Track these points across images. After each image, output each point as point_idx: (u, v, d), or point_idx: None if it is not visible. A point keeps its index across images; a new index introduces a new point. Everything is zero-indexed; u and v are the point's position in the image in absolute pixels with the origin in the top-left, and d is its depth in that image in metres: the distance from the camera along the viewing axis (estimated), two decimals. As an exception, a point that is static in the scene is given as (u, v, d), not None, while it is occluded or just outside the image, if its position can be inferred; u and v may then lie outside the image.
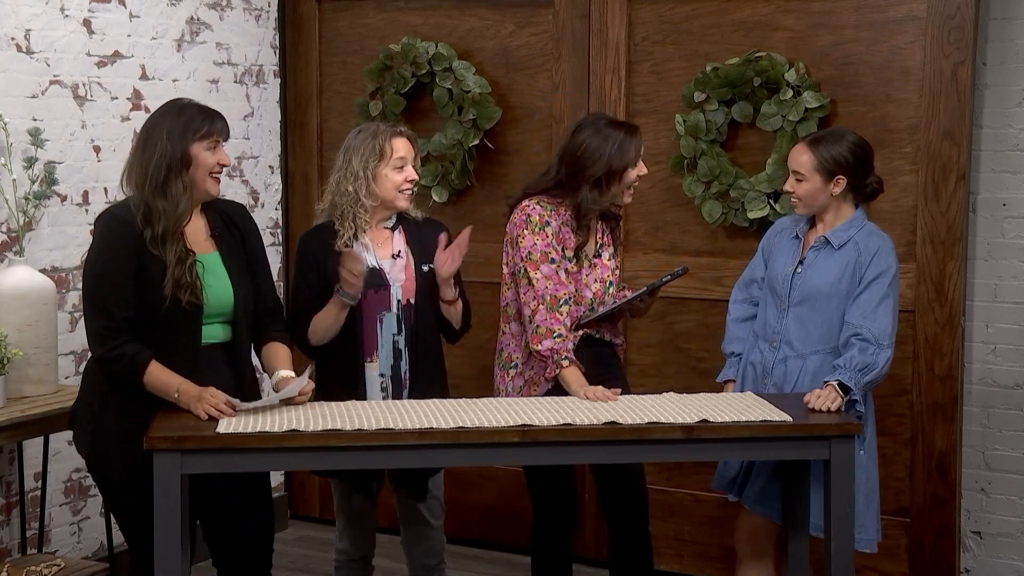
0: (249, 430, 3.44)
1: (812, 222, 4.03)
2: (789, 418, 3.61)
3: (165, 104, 3.67)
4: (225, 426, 3.46)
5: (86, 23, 4.77)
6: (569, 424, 3.53)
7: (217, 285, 3.64)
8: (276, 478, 5.57)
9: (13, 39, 4.51)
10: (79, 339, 4.69)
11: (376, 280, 3.95)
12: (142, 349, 3.52)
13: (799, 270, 3.96)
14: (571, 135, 4.08)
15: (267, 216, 5.65)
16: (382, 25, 5.54)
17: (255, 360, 3.83)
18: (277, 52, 5.68)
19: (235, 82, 5.45)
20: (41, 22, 4.61)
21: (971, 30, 4.54)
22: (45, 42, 4.62)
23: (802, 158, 3.93)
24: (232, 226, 3.75)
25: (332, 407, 3.69)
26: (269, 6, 5.62)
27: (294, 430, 3.45)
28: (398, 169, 3.95)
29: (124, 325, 3.52)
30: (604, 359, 4.15)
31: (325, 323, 3.90)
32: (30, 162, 4.48)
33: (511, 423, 3.53)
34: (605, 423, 3.54)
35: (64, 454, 4.75)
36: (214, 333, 3.66)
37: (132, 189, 3.59)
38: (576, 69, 5.17)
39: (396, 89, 5.38)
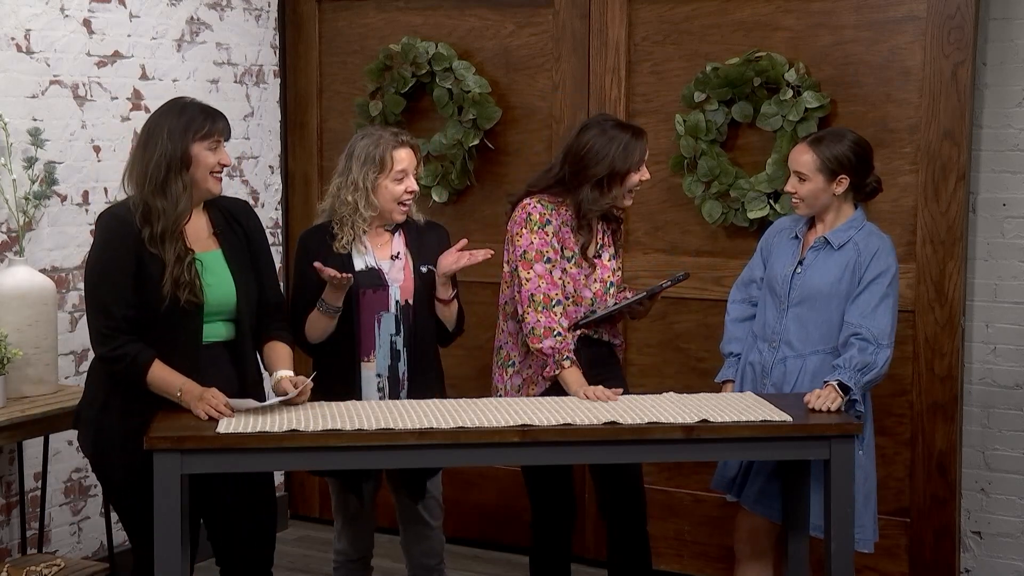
0: (249, 430, 3.44)
1: (811, 222, 4.02)
2: (789, 418, 3.61)
3: (167, 103, 3.67)
4: (225, 426, 3.46)
5: (86, 23, 4.77)
6: (569, 424, 3.53)
7: (218, 283, 3.64)
8: (276, 478, 5.54)
9: (13, 39, 4.51)
10: (79, 339, 4.69)
11: (374, 280, 3.96)
12: (144, 348, 3.53)
13: (799, 270, 3.96)
14: (576, 134, 4.09)
15: (267, 216, 5.65)
16: (382, 25, 5.54)
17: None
18: (277, 52, 5.68)
19: (235, 82, 5.45)
20: (41, 22, 4.61)
21: (971, 30, 4.54)
22: (45, 42, 4.62)
23: (804, 158, 3.93)
24: (235, 223, 3.75)
25: (332, 407, 3.69)
26: (269, 6, 5.62)
27: (294, 430, 3.45)
28: (398, 181, 3.95)
29: (125, 324, 3.52)
30: (602, 359, 4.16)
31: (318, 327, 3.93)
32: (30, 162, 4.48)
33: (511, 423, 3.53)
34: (605, 423, 3.54)
35: (64, 454, 4.75)
36: (217, 331, 3.66)
37: (132, 188, 3.59)
38: (576, 69, 5.17)
39: (396, 89, 5.38)
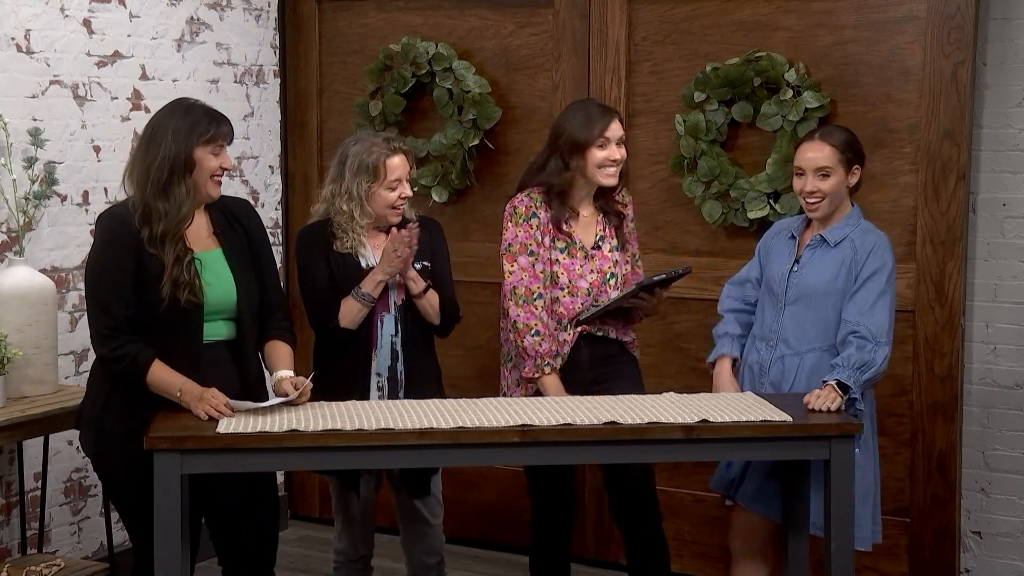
0: (249, 430, 3.44)
1: (808, 221, 4.02)
2: (789, 418, 3.61)
3: (171, 103, 3.66)
4: (225, 426, 3.46)
5: (86, 23, 4.77)
6: (569, 424, 3.53)
7: (218, 282, 3.64)
8: (277, 478, 5.56)
9: (13, 39, 4.51)
10: (79, 339, 4.69)
11: (375, 280, 3.98)
12: (144, 348, 3.53)
13: (795, 268, 3.96)
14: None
15: (267, 216, 5.65)
16: (382, 25, 5.54)
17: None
18: (277, 52, 5.68)
19: (235, 82, 5.45)
20: (41, 22, 4.60)
21: (971, 30, 4.54)
22: (45, 42, 4.62)
23: (824, 152, 3.89)
24: (236, 223, 3.75)
25: (332, 407, 3.69)
26: (269, 6, 5.62)
27: (294, 430, 3.45)
28: (392, 189, 3.97)
29: (126, 324, 3.52)
30: (608, 358, 4.14)
31: (352, 313, 3.95)
32: (30, 162, 4.48)
33: (511, 423, 3.53)
34: (605, 423, 3.54)
35: (64, 454, 4.75)
36: (217, 330, 3.66)
37: (133, 188, 3.59)
38: (576, 69, 5.17)
39: (396, 89, 5.38)
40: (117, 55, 4.90)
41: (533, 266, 4.04)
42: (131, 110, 4.95)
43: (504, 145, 5.33)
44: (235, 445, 3.42)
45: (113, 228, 3.57)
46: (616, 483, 4.16)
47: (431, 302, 4.03)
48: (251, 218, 3.80)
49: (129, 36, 4.94)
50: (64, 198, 4.72)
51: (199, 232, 3.65)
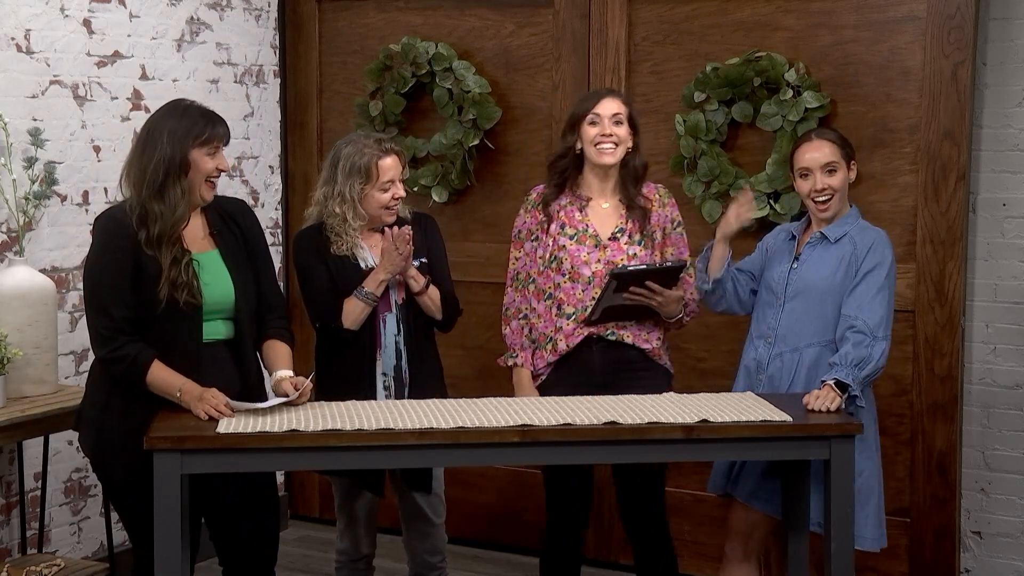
0: (249, 430, 3.44)
1: (808, 222, 4.02)
2: (789, 418, 3.61)
3: (166, 105, 3.66)
4: (225, 426, 3.46)
5: (86, 23, 4.77)
6: (569, 424, 3.53)
7: (216, 283, 3.64)
8: (276, 478, 5.57)
9: (13, 39, 4.51)
10: (79, 339, 4.69)
11: (376, 280, 3.98)
12: (144, 349, 3.53)
13: (795, 266, 3.97)
14: None
15: (267, 216, 5.65)
16: (382, 25, 5.54)
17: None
18: (277, 52, 5.68)
19: (235, 82, 5.46)
20: (41, 22, 4.61)
21: (971, 30, 4.54)
22: (45, 42, 4.62)
23: (826, 149, 3.91)
24: (232, 223, 3.75)
25: (332, 407, 3.69)
26: (269, 6, 5.62)
27: (294, 430, 3.45)
28: (385, 190, 3.96)
29: (125, 325, 3.52)
30: (627, 365, 4.06)
31: (355, 313, 3.95)
32: (30, 162, 4.48)
33: (511, 423, 3.53)
34: (605, 423, 3.53)
35: (64, 454, 4.75)
36: (216, 330, 3.66)
37: (130, 189, 3.59)
38: (576, 69, 5.17)
39: (396, 89, 5.38)
40: (117, 55, 4.90)
41: (535, 250, 4.09)
42: (131, 110, 4.95)
43: (504, 145, 5.33)
44: (235, 445, 3.42)
45: (110, 230, 3.57)
46: (624, 481, 4.15)
47: (432, 298, 4.02)
48: (247, 218, 3.80)
49: (129, 36, 4.94)
50: (64, 198, 4.72)
51: (195, 233, 3.65)
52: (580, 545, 4.26)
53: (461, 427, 3.50)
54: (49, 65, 4.64)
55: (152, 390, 3.54)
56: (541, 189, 4.16)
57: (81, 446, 3.75)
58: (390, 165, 3.98)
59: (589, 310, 4.02)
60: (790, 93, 4.70)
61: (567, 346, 4.06)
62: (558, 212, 4.09)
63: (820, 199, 3.91)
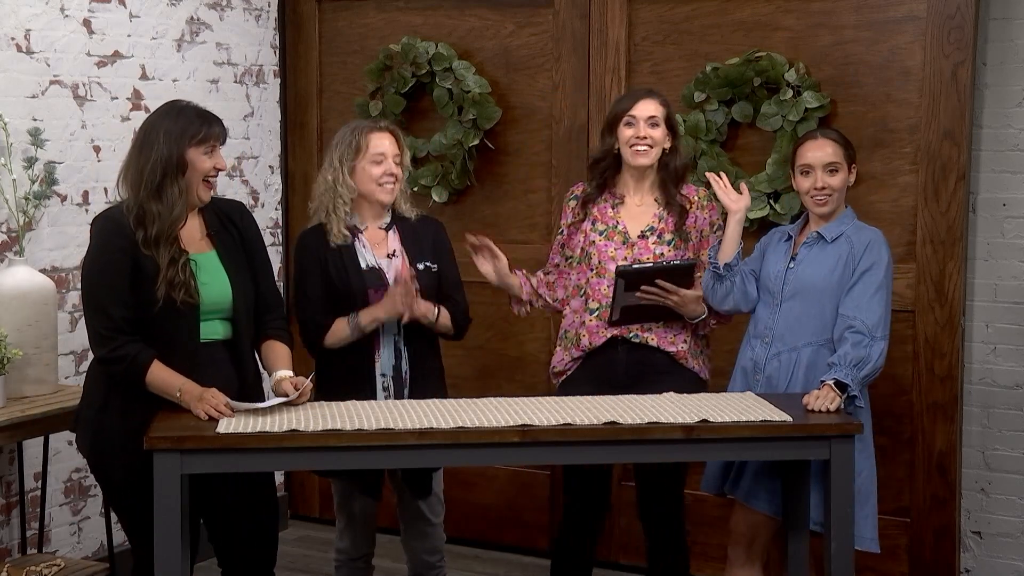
0: (249, 430, 3.44)
1: (804, 224, 4.03)
2: (789, 418, 3.61)
3: (163, 106, 3.67)
4: (225, 426, 3.46)
5: (86, 23, 4.77)
6: (569, 424, 3.53)
7: (213, 283, 3.64)
8: (276, 478, 5.56)
9: (13, 39, 4.51)
10: (79, 339, 4.69)
11: (377, 280, 3.97)
12: (144, 349, 3.53)
13: (791, 266, 3.97)
14: None
15: (267, 216, 5.65)
16: (382, 25, 5.54)
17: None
18: (277, 52, 5.68)
19: (235, 82, 5.46)
20: (41, 22, 4.60)
21: (971, 30, 4.54)
22: (45, 42, 4.62)
23: (829, 149, 3.93)
24: (230, 224, 3.75)
25: (332, 407, 3.69)
26: (269, 6, 5.62)
27: (294, 430, 3.45)
28: (376, 163, 3.96)
29: (124, 325, 3.53)
30: (652, 367, 4.04)
31: (339, 337, 3.94)
32: (30, 162, 4.48)
33: (511, 423, 3.53)
34: (605, 423, 3.53)
35: (64, 454, 4.75)
36: (214, 330, 3.66)
37: (127, 190, 3.59)
38: (576, 69, 5.17)
39: (396, 89, 5.38)
40: (117, 55, 4.90)
41: (559, 243, 4.23)
42: (131, 110, 4.95)
43: (504, 145, 5.33)
44: (235, 445, 3.42)
45: (108, 230, 3.57)
46: (645, 481, 4.14)
47: (444, 323, 4.03)
48: (245, 219, 3.80)
49: (129, 36, 4.94)
50: (64, 198, 4.72)
51: (193, 234, 3.65)
52: (594, 546, 4.26)
53: (461, 427, 3.50)
54: (49, 65, 4.64)
55: (152, 390, 3.54)
56: (580, 185, 4.23)
57: (78, 447, 3.75)
58: (381, 139, 3.98)
59: (611, 305, 4.02)
60: (790, 93, 4.70)
61: (590, 344, 4.07)
62: (592, 208, 4.14)
63: (818, 197, 3.92)
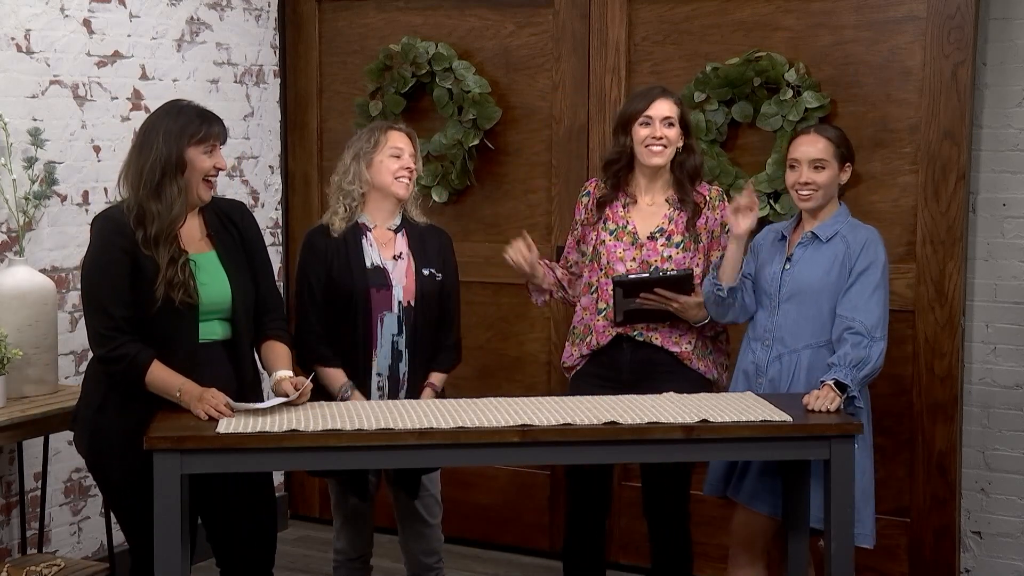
0: (249, 430, 3.44)
1: (798, 224, 4.02)
2: (789, 418, 3.61)
3: (163, 105, 3.67)
4: (225, 426, 3.46)
5: (86, 23, 4.77)
6: (569, 424, 3.53)
7: (212, 283, 3.64)
8: (276, 478, 5.57)
9: (13, 39, 4.51)
10: (79, 339, 4.69)
11: (380, 280, 3.97)
12: (143, 348, 3.53)
13: (787, 267, 3.96)
14: None
15: (267, 216, 5.65)
16: (382, 25, 5.54)
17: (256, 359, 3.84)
18: (277, 52, 5.68)
19: (235, 82, 5.46)
20: (41, 22, 4.60)
21: (971, 30, 4.54)
22: (45, 42, 4.62)
23: (820, 145, 3.92)
24: (230, 224, 3.75)
25: (332, 407, 3.69)
26: (269, 6, 5.62)
27: (294, 430, 3.45)
28: (394, 157, 3.97)
29: (124, 324, 3.53)
30: (655, 367, 4.06)
31: (326, 380, 3.95)
32: (30, 162, 4.48)
33: (511, 423, 3.53)
34: (605, 423, 3.53)
35: (64, 454, 4.75)
36: (213, 331, 3.66)
37: (127, 190, 3.60)
38: (576, 69, 5.17)
39: (396, 89, 5.38)
40: (117, 55, 4.90)
41: (574, 240, 4.25)
42: (131, 110, 4.95)
43: (504, 145, 5.33)
44: (235, 445, 3.42)
45: (108, 230, 3.57)
46: (651, 481, 4.15)
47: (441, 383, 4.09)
48: (245, 219, 3.80)
49: (129, 36, 4.94)
50: (64, 198, 4.72)
51: (192, 234, 3.65)
52: (603, 547, 4.27)
53: (461, 427, 3.50)
54: (49, 65, 4.64)
55: (151, 390, 3.54)
56: (593, 183, 4.24)
57: (76, 446, 3.75)
58: (399, 137, 4.01)
59: (615, 306, 4.04)
60: (790, 93, 4.70)
61: (597, 343, 4.09)
62: (605, 208, 4.15)
63: (802, 192, 3.93)
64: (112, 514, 4.66)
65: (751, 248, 4.11)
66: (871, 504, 3.94)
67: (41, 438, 4.51)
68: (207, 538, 3.80)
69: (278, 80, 5.70)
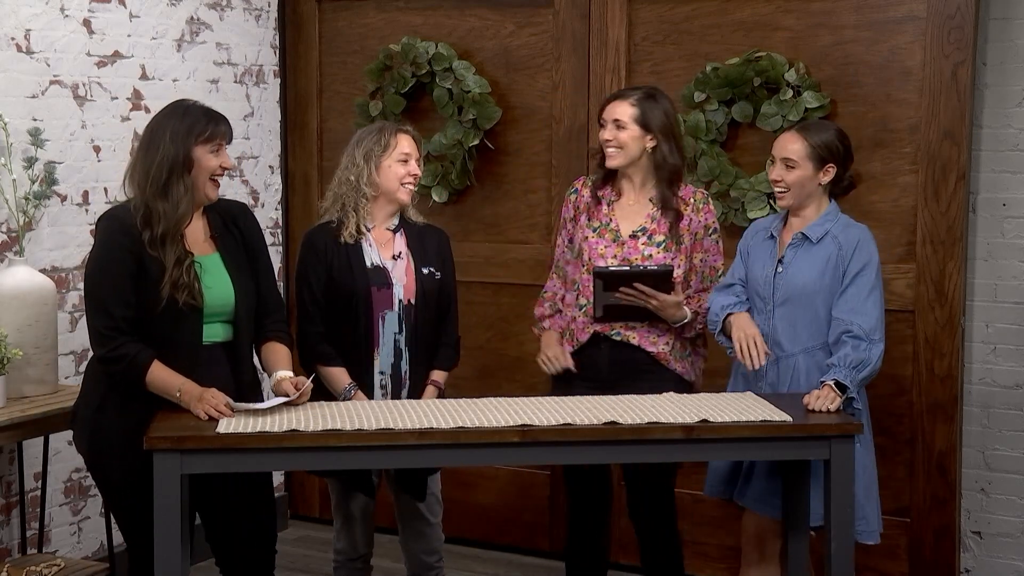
0: (249, 430, 3.44)
1: (786, 220, 4.01)
2: (789, 418, 3.61)
3: (169, 105, 3.67)
4: (225, 426, 3.46)
5: (86, 23, 4.77)
6: (569, 424, 3.53)
7: (216, 285, 3.64)
8: (276, 478, 5.57)
9: (13, 39, 4.51)
10: (79, 339, 4.69)
11: (381, 279, 3.97)
12: (144, 348, 3.53)
13: (780, 269, 3.95)
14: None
15: (267, 216, 5.65)
16: (382, 25, 5.54)
17: (256, 360, 3.84)
18: (277, 52, 5.68)
19: (235, 82, 5.46)
20: (41, 22, 4.60)
21: (971, 30, 4.54)
22: (45, 42, 4.62)
23: (793, 146, 3.91)
24: (233, 226, 3.75)
25: (332, 407, 3.69)
26: (269, 6, 5.62)
27: (294, 430, 3.45)
28: (402, 163, 3.98)
29: (125, 325, 3.53)
30: (633, 366, 4.07)
31: (329, 379, 3.96)
32: (30, 162, 4.48)
33: (511, 423, 3.53)
34: (605, 423, 3.53)
35: (64, 454, 4.75)
36: (215, 332, 3.66)
37: (133, 190, 3.60)
38: (576, 69, 5.17)
39: (396, 89, 5.38)
40: (117, 55, 4.90)
41: (564, 241, 4.22)
42: (131, 110, 4.95)
43: (504, 145, 5.33)
44: (235, 445, 3.42)
45: (114, 229, 3.57)
46: (634, 481, 4.15)
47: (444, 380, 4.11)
48: (247, 220, 3.81)
49: (129, 36, 4.94)
50: (64, 198, 4.72)
51: (196, 236, 3.66)
52: (606, 543, 4.28)
53: (461, 427, 3.50)
54: (49, 65, 4.64)
55: (151, 390, 3.54)
56: (581, 180, 4.24)
57: (76, 446, 3.75)
58: (407, 141, 4.02)
59: (594, 302, 4.05)
60: (790, 93, 4.70)
61: (577, 340, 4.11)
62: (590, 204, 4.16)
63: (776, 189, 3.94)
64: (112, 514, 4.67)
65: (740, 250, 4.11)
66: (875, 501, 3.94)
67: (41, 438, 4.51)
68: (207, 538, 3.80)
69: (278, 80, 5.70)
